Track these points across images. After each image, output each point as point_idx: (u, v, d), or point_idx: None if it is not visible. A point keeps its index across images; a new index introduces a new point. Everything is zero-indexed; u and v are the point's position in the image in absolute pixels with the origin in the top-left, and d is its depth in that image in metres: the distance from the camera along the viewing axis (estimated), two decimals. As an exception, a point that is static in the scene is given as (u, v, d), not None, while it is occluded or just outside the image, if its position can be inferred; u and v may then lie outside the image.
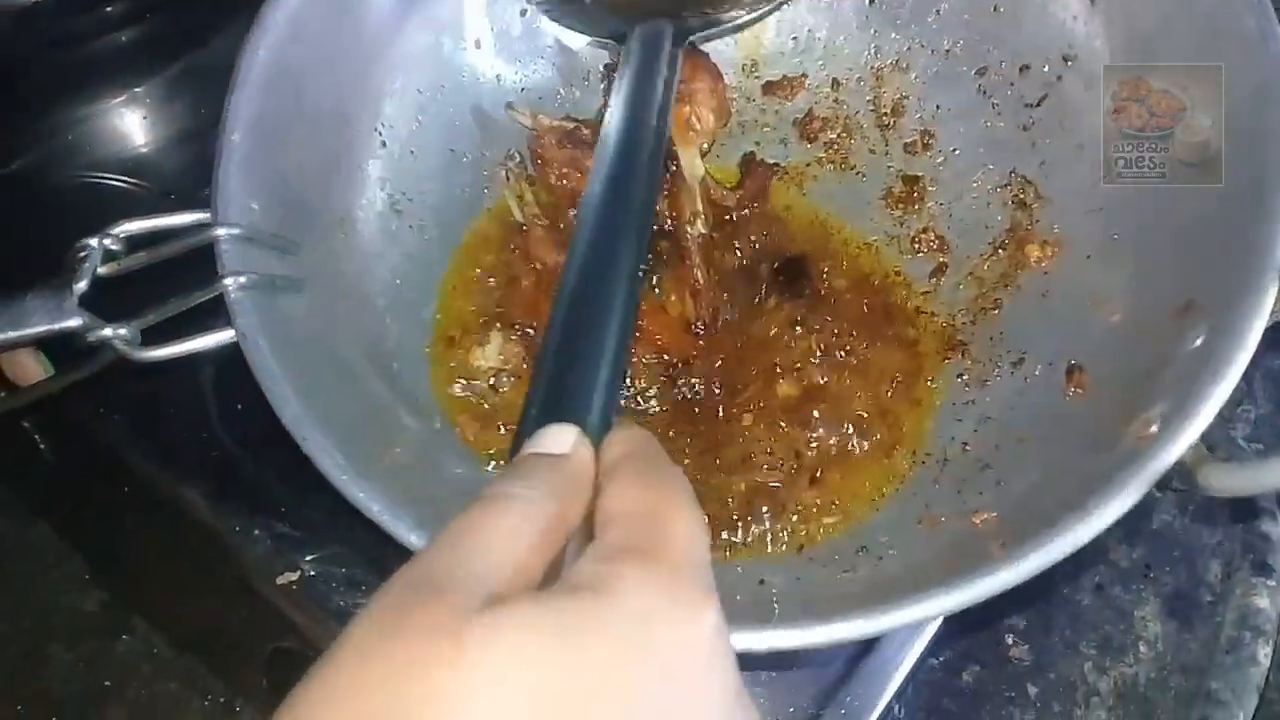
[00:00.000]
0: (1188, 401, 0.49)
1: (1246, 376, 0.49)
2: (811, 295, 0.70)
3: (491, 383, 0.66)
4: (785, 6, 0.75)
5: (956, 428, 0.64)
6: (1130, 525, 0.60)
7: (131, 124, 0.88)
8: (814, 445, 0.65)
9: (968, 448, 0.63)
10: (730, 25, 0.72)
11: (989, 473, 0.60)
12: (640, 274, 0.49)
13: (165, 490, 0.72)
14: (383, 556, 0.66)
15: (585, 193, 0.53)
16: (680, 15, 0.68)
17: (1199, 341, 0.52)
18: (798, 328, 0.67)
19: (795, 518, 0.63)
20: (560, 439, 0.38)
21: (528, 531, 0.34)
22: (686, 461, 0.65)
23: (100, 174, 0.84)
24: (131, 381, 0.73)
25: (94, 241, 0.54)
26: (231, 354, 0.68)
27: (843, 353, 0.67)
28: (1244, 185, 0.54)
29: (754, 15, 0.73)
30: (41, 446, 0.77)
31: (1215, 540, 0.70)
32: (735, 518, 0.62)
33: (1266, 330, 0.50)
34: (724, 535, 0.62)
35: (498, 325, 0.67)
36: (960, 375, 0.67)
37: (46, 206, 0.82)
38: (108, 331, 0.52)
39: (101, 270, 0.54)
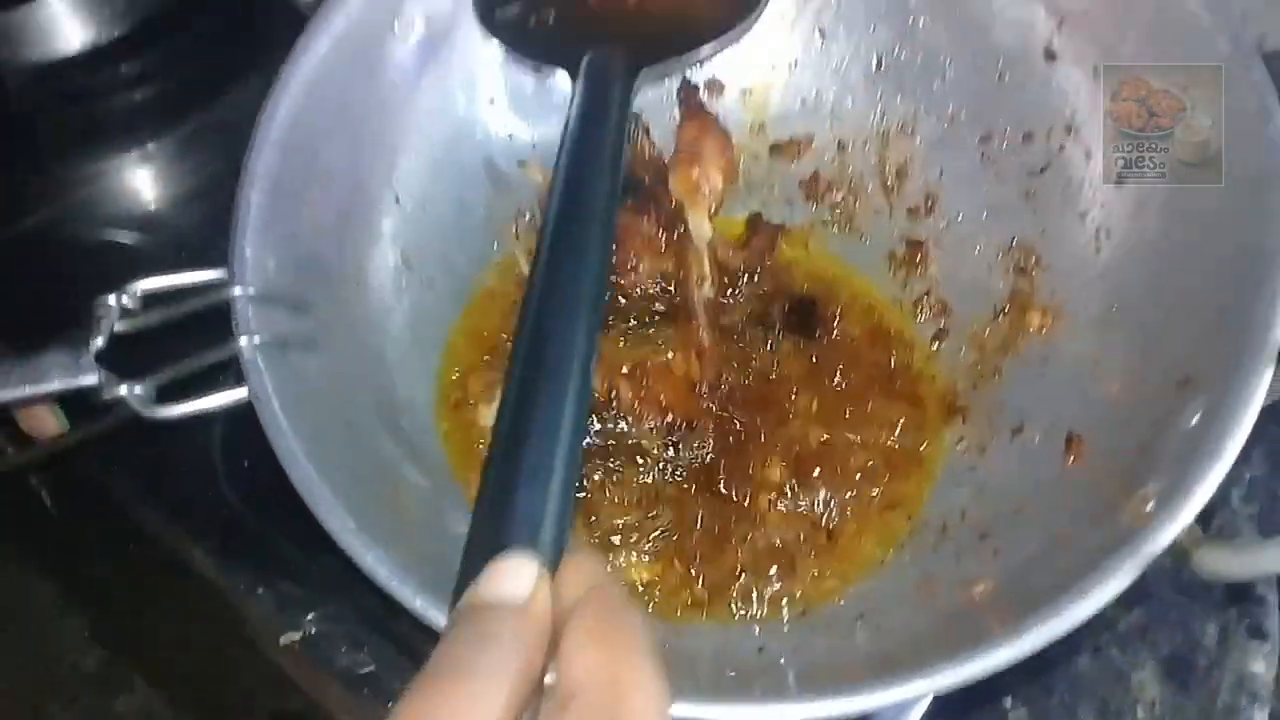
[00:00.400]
0: (1183, 482, 0.50)
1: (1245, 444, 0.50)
2: (823, 335, 0.71)
3: (498, 439, 0.67)
4: (795, 68, 0.77)
5: (956, 494, 0.65)
6: (1128, 588, 0.60)
7: (143, 181, 0.89)
8: (816, 509, 0.65)
9: (967, 515, 0.64)
10: (690, 58, 0.70)
11: (987, 542, 0.61)
12: (594, 358, 0.44)
13: (170, 548, 0.73)
14: (386, 616, 0.67)
15: (533, 263, 0.50)
16: (635, 44, 0.65)
17: (1196, 419, 0.53)
18: (802, 393, 0.68)
19: (796, 582, 0.63)
20: (519, 580, 0.35)
21: (494, 710, 0.31)
22: (683, 523, 0.66)
23: (112, 231, 0.86)
24: (139, 439, 0.73)
25: (112, 299, 0.55)
26: (240, 411, 0.69)
27: (847, 414, 0.68)
28: (1243, 264, 0.55)
29: (714, 48, 0.69)
30: (47, 502, 0.77)
31: (1212, 603, 0.70)
32: (736, 581, 0.63)
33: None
34: (725, 600, 0.62)
35: (506, 381, 0.68)
36: (960, 441, 0.68)
37: (58, 263, 0.84)
38: (123, 390, 0.53)
39: (118, 327, 0.55)
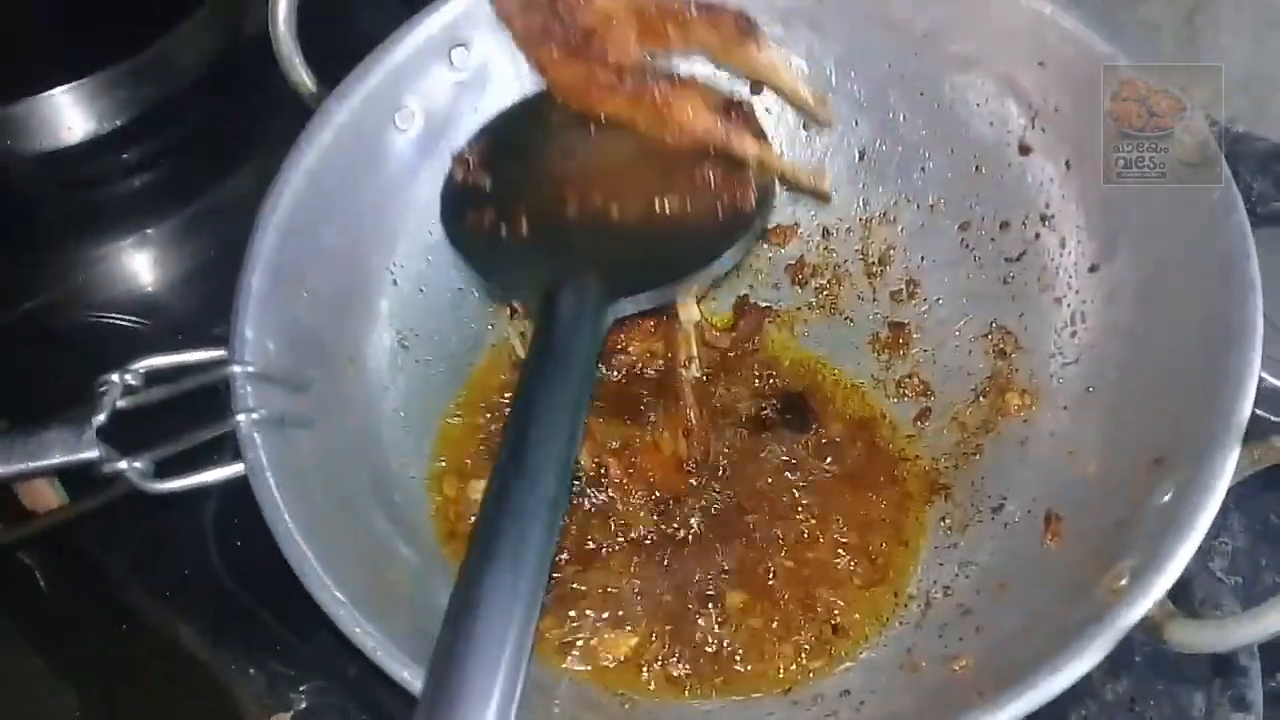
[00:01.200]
0: (1155, 558, 0.51)
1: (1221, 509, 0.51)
2: (816, 430, 0.73)
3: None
4: (781, 159, 0.79)
5: (939, 572, 0.66)
6: (1114, 658, 0.61)
7: (141, 264, 0.92)
8: (803, 587, 0.66)
9: (950, 592, 0.65)
10: (671, 290, 0.68)
11: (970, 618, 0.62)
12: (539, 607, 0.48)
13: (162, 627, 0.73)
14: (375, 693, 0.67)
15: (482, 500, 0.52)
16: (613, 270, 0.64)
17: (1168, 498, 0.54)
18: (789, 473, 0.70)
19: (781, 658, 0.64)
20: None
21: None
22: (667, 598, 0.67)
23: (110, 314, 0.87)
24: (133, 517, 0.75)
25: (115, 376, 0.57)
26: (233, 490, 0.70)
27: (832, 495, 0.70)
28: (1210, 347, 0.57)
29: (701, 279, 0.70)
30: (40, 579, 0.77)
31: (1198, 674, 0.71)
32: (717, 659, 0.63)
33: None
34: (708, 680, 0.63)
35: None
36: (943, 519, 0.69)
37: (59, 345, 0.85)
38: (123, 464, 0.55)
39: (120, 404, 0.57)
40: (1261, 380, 0.60)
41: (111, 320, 0.86)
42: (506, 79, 0.74)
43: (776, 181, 0.72)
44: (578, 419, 0.55)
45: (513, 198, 0.69)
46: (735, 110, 0.70)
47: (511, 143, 0.73)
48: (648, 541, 0.68)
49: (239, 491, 0.75)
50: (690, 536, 0.69)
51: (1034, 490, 0.66)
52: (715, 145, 0.69)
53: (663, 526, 0.69)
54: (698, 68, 0.75)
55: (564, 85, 0.72)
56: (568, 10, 0.71)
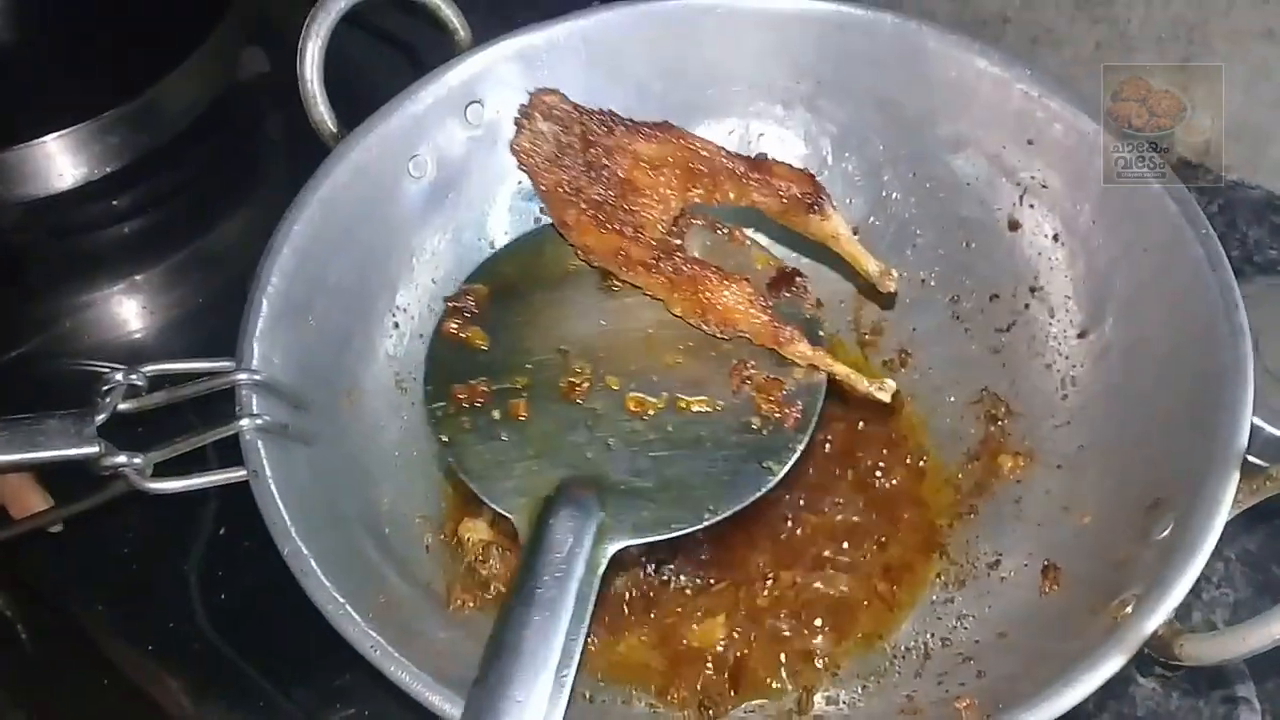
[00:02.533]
0: (1159, 585, 0.51)
1: (1223, 560, 0.51)
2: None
3: (480, 556, 0.67)
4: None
5: (937, 625, 0.66)
6: (1115, 710, 0.60)
7: (130, 311, 0.91)
8: (801, 639, 0.66)
9: (948, 643, 0.64)
10: (684, 530, 0.60)
11: (970, 664, 0.61)
12: None
13: (145, 682, 0.71)
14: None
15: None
16: (621, 501, 0.58)
17: (1167, 532, 0.55)
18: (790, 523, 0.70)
19: (779, 712, 0.63)
20: None
21: None
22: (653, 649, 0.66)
23: (98, 362, 0.86)
24: (115, 570, 0.75)
25: (119, 375, 0.56)
26: (218, 541, 0.70)
27: (829, 552, 0.70)
28: (1202, 387, 0.58)
29: (712, 519, 0.60)
30: (20, 632, 0.75)
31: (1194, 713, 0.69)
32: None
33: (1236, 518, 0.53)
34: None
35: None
36: (939, 575, 0.69)
37: (44, 393, 0.84)
38: (122, 458, 0.54)
39: (123, 406, 0.56)
40: (1259, 429, 0.62)
41: (101, 368, 0.85)
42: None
43: (824, 386, 0.65)
44: (566, 667, 0.49)
45: (512, 369, 0.65)
46: (787, 284, 0.68)
47: (518, 289, 0.69)
48: (639, 584, 0.67)
49: (223, 542, 0.75)
50: (679, 587, 0.68)
51: (1030, 545, 0.66)
52: (762, 344, 0.65)
53: (655, 572, 0.68)
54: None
55: (591, 250, 0.68)
56: (602, 157, 0.68)
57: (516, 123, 0.71)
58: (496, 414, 0.63)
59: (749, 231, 0.74)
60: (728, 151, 0.69)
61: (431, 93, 0.73)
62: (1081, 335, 0.71)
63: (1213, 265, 0.61)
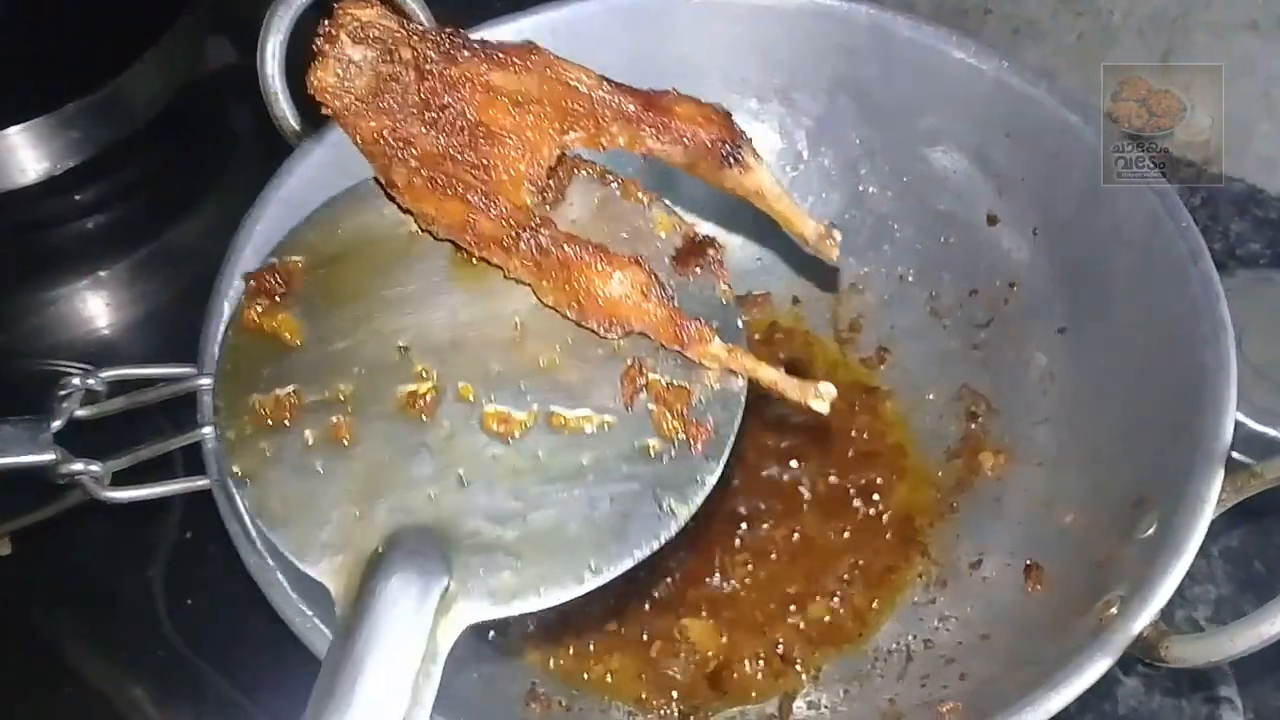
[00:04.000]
0: (1144, 586, 0.50)
1: (1205, 557, 0.50)
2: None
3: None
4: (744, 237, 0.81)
5: (919, 626, 0.65)
6: (1097, 709, 0.59)
7: (95, 308, 0.89)
8: (780, 643, 0.65)
9: (930, 644, 0.63)
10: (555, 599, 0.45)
11: (953, 666, 0.60)
12: None
13: (109, 691, 0.69)
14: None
15: None
16: (471, 562, 0.44)
17: (1151, 530, 0.54)
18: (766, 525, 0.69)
19: (760, 717, 0.62)
20: None
21: None
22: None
23: (62, 361, 0.84)
24: (79, 578, 0.73)
25: (77, 380, 0.54)
26: (182, 549, 0.67)
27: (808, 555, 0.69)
28: (1186, 382, 0.57)
29: (595, 582, 0.45)
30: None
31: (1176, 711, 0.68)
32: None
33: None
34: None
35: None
36: (920, 575, 0.68)
37: (9, 389, 0.82)
38: (79, 466, 0.52)
39: (81, 412, 0.54)
40: (1242, 425, 0.61)
41: (64, 365, 0.83)
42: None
43: (743, 395, 0.49)
44: None
45: (333, 373, 0.49)
46: (698, 257, 0.52)
47: (345, 263, 0.53)
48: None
49: (189, 548, 0.73)
50: (659, 589, 0.67)
51: (1012, 544, 0.65)
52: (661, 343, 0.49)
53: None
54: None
55: (431, 221, 0.51)
56: (443, 92, 0.50)
57: (317, 50, 0.51)
58: (309, 436, 0.48)
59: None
60: (613, 83, 0.52)
61: (399, 88, 0.71)
62: (1061, 331, 0.70)
63: (1194, 259, 0.61)
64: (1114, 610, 0.51)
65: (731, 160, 0.52)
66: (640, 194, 0.54)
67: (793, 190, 0.79)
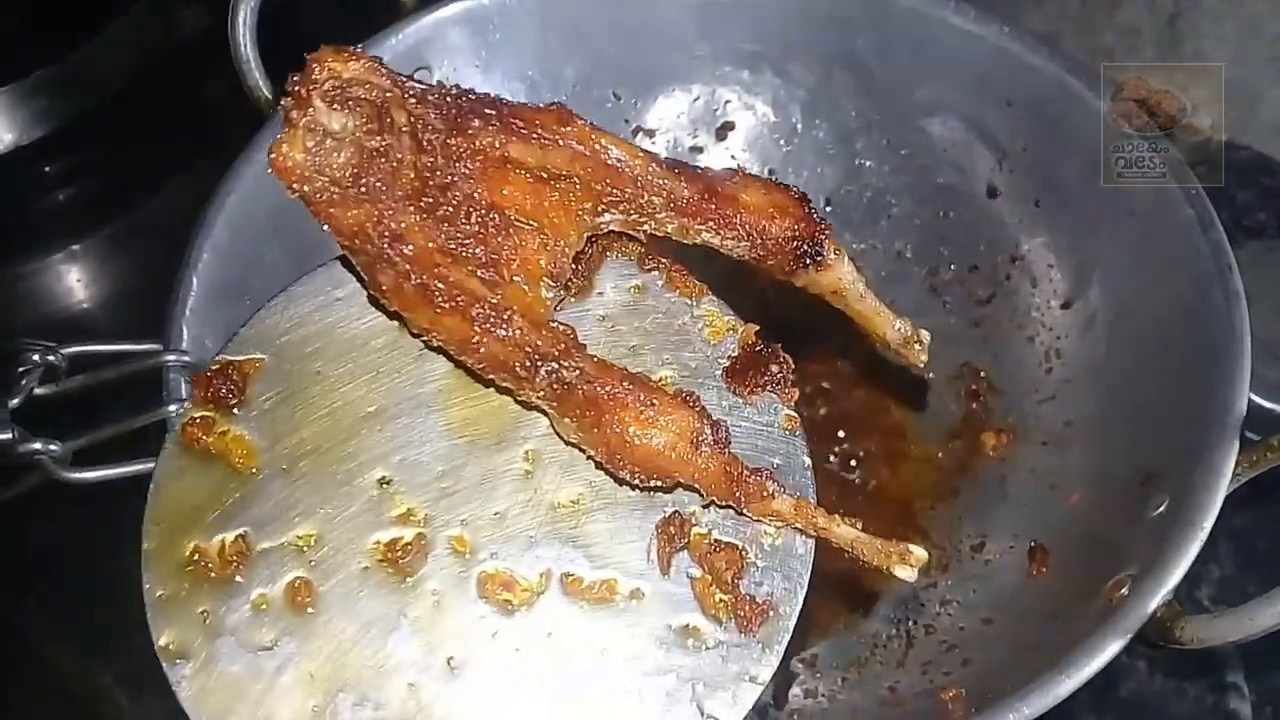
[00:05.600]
0: (1156, 564, 0.48)
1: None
2: None
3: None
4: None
5: (920, 611, 0.62)
6: (1099, 690, 0.57)
7: (70, 282, 0.86)
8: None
9: (931, 630, 0.61)
10: None
11: (955, 653, 0.58)
12: None
13: (84, 684, 0.68)
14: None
15: None
16: None
17: (1161, 509, 0.52)
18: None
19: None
20: None
21: None
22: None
23: (35, 339, 0.82)
24: (45, 562, 0.71)
25: (36, 357, 0.52)
26: None
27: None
28: (1197, 358, 0.55)
29: None
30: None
31: (1184, 706, 0.66)
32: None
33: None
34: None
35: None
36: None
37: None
38: (37, 445, 0.50)
39: (40, 390, 0.52)
40: (1250, 401, 0.58)
41: (39, 341, 0.80)
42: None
43: (810, 557, 0.41)
44: None
45: (295, 512, 0.40)
46: (759, 374, 0.43)
47: (312, 365, 0.44)
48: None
49: None
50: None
51: (1016, 526, 0.63)
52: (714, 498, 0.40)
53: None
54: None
55: (429, 333, 0.42)
56: (446, 167, 0.41)
57: (284, 116, 0.43)
58: (261, 597, 0.39)
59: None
60: (665, 162, 0.43)
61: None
62: (1065, 305, 0.68)
63: (1204, 227, 0.58)
64: (1124, 591, 0.49)
65: (809, 260, 0.45)
66: (687, 284, 0.46)
67: (786, 164, 0.78)
